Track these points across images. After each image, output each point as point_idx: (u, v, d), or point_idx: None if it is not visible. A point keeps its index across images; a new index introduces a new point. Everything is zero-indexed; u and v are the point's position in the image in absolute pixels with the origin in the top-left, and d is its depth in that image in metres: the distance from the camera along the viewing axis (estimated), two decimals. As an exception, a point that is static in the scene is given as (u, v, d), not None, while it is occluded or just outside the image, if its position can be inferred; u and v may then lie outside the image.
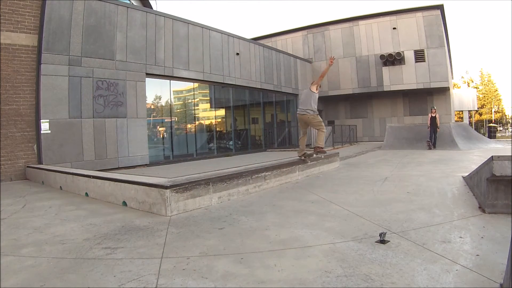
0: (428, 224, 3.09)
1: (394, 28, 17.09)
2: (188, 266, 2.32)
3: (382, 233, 2.71)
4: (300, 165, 6.21)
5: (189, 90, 12.21)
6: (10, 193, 5.56)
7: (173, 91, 11.41)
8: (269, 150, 15.09)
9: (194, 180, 4.10)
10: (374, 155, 10.55)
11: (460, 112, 26.99)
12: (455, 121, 23.55)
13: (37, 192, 5.63)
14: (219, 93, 13.86)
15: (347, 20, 18.38)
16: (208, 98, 13.38)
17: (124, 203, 4.27)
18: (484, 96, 41.34)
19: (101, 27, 8.74)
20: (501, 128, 41.27)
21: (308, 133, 15.48)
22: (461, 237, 2.72)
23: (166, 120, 11.30)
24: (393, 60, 16.93)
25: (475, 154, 9.62)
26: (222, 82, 12.86)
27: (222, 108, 14.43)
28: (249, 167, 5.41)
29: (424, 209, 3.62)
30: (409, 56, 16.78)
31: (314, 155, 6.52)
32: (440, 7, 16.48)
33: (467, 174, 5.19)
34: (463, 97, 24.79)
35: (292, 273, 2.15)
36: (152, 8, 15.05)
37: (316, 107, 6.26)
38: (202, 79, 11.93)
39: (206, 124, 13.14)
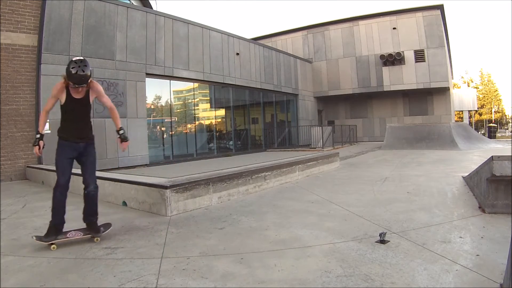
0: (428, 224, 3.10)
1: (394, 28, 17.08)
2: (188, 266, 2.32)
3: (382, 233, 2.71)
4: (300, 165, 6.21)
5: (189, 90, 12.21)
6: (10, 193, 5.55)
7: (173, 91, 11.41)
8: (269, 150, 15.08)
9: (194, 180, 4.10)
10: (374, 155, 10.55)
11: (460, 112, 27.00)
12: (455, 121, 23.55)
13: (37, 192, 5.63)
14: (219, 93, 13.85)
15: (347, 20, 18.37)
16: (208, 98, 13.38)
17: (124, 203, 4.27)
18: (484, 96, 41.33)
19: (101, 27, 8.73)
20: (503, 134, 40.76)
21: (308, 134, 15.62)
22: (461, 237, 2.72)
23: (166, 120, 11.30)
24: (393, 60, 16.92)
25: (475, 154, 9.62)
26: (222, 82, 12.85)
27: (222, 108, 14.42)
28: (249, 167, 5.41)
29: (424, 209, 3.62)
30: (409, 56, 16.77)
31: None
32: (440, 7, 16.48)
33: (467, 174, 5.19)
34: (463, 97, 24.80)
35: (292, 273, 2.15)
36: (152, 8, 15.03)
37: None
38: (202, 79, 11.92)
39: (206, 124, 13.13)
